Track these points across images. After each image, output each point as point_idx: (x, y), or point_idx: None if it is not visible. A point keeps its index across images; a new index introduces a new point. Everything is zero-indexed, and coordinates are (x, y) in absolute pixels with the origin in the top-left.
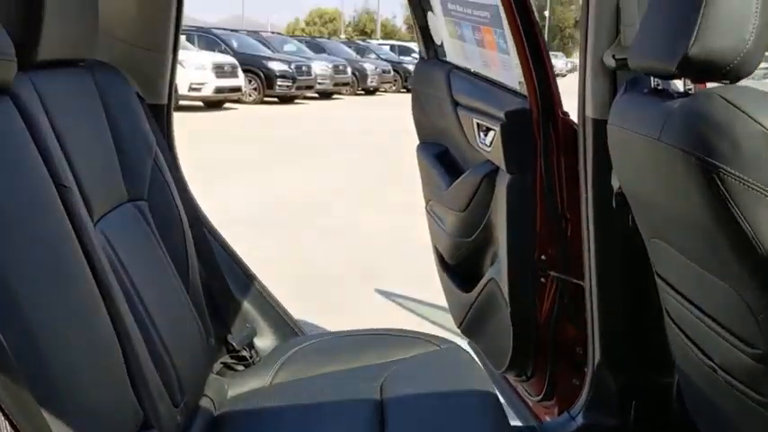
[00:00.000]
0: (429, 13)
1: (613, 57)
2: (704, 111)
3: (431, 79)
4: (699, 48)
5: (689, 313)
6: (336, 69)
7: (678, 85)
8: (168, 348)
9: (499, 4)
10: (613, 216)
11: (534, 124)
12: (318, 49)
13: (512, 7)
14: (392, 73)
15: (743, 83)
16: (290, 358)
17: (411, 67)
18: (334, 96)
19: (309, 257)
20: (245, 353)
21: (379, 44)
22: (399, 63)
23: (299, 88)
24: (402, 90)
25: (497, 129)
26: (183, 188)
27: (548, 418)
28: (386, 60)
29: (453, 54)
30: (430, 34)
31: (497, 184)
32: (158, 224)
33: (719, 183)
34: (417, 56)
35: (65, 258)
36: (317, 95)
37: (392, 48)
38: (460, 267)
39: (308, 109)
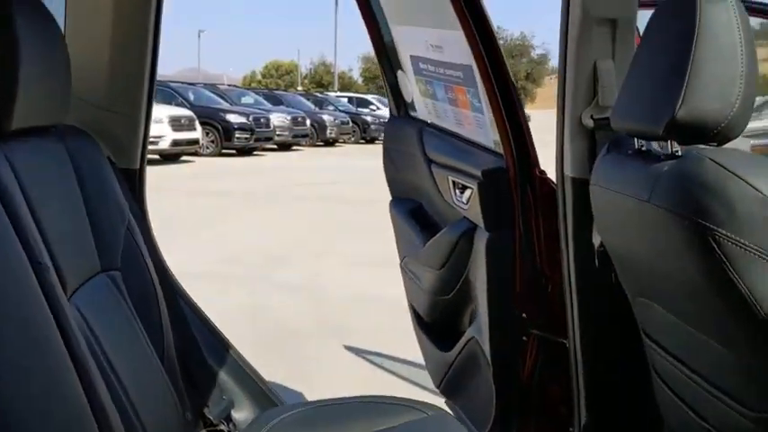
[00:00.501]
0: (399, 71)
1: (591, 117)
2: (696, 174)
3: (403, 136)
4: (686, 111)
5: (680, 373)
6: (295, 121)
7: (655, 145)
8: (145, 425)
9: (473, 64)
10: (595, 273)
11: (511, 182)
12: (276, 101)
13: (487, 68)
14: (351, 124)
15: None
16: (271, 431)
17: (369, 119)
18: (294, 148)
19: (271, 313)
20: (222, 427)
21: (337, 96)
22: (358, 114)
23: (257, 140)
24: (361, 141)
25: (474, 187)
26: (156, 255)
27: None
28: (344, 112)
29: (425, 112)
30: (400, 92)
31: (476, 241)
32: (132, 294)
33: (716, 245)
34: (375, 107)
35: (40, 336)
36: (275, 147)
37: (350, 100)
38: (438, 326)
39: (267, 161)
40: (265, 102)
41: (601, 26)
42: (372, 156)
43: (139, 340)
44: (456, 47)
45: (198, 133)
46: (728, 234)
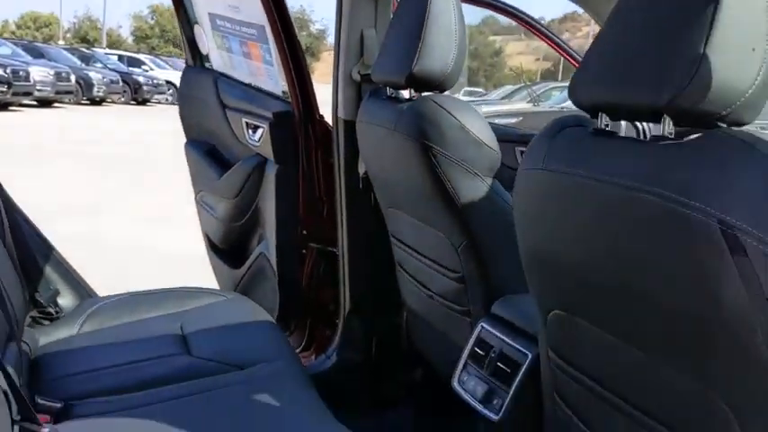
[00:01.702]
0: (195, 25)
1: (359, 72)
2: (423, 110)
3: (198, 84)
4: (419, 68)
5: (414, 259)
6: (59, 77)
7: (404, 93)
8: (12, 302)
9: (266, 24)
10: (360, 195)
11: (297, 124)
12: (37, 53)
13: (278, 27)
14: (121, 83)
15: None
16: (94, 312)
17: (142, 79)
18: (56, 105)
19: None
20: (50, 309)
21: (107, 53)
22: (129, 74)
23: (15, 94)
24: (132, 102)
25: (266, 127)
26: None
27: (306, 365)
28: (114, 70)
29: (221, 63)
30: (196, 44)
31: (266, 172)
32: None
33: (433, 158)
34: (148, 68)
35: None
36: (35, 103)
37: (121, 58)
38: (231, 249)
39: (27, 117)
40: (24, 54)
41: (366, 2)
42: (144, 116)
43: None
44: (251, 8)
45: None
46: (441, 150)
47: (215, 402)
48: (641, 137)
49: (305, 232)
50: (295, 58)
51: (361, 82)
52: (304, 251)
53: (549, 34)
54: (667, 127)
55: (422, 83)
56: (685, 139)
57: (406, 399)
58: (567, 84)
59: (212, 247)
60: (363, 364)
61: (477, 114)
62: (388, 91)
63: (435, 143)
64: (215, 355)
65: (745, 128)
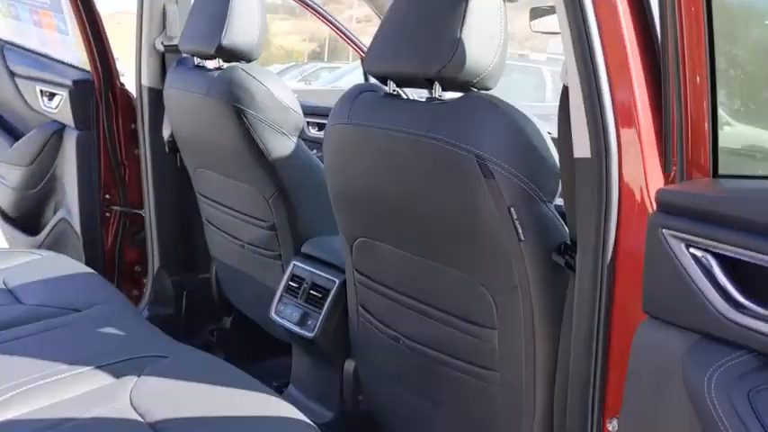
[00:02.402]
0: None
1: (162, 43)
2: (234, 78)
3: None
4: (227, 40)
5: (223, 214)
6: None
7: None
8: None
9: None
10: (166, 158)
11: (96, 92)
12: None
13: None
14: None
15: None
16: None
17: None
18: None
19: None
20: None
21: None
22: None
23: None
24: None
25: (65, 94)
26: None
27: None
28: None
29: (7, 32)
30: None
31: (65, 139)
32: None
33: (246, 120)
34: None
35: None
36: None
37: None
38: (25, 217)
39: None
40: None
41: None
42: None
43: None
44: None
45: None
46: (252, 112)
47: (56, 341)
48: (427, 98)
49: (108, 196)
50: (93, 27)
51: (165, 52)
52: (108, 214)
53: (327, 15)
54: (437, 91)
55: (230, 54)
56: (450, 100)
57: (217, 346)
58: (333, 65)
59: (4, 216)
60: (174, 317)
61: (282, 83)
62: (195, 60)
63: (247, 106)
64: (49, 301)
65: (491, 91)
